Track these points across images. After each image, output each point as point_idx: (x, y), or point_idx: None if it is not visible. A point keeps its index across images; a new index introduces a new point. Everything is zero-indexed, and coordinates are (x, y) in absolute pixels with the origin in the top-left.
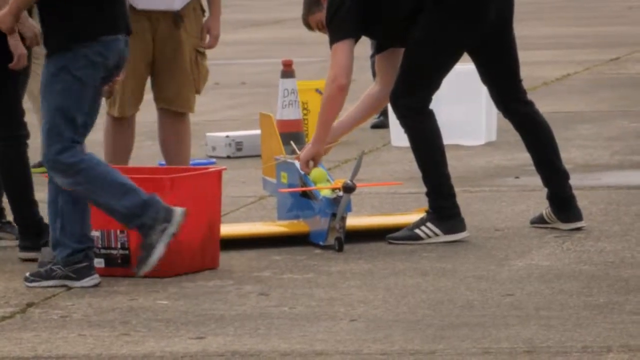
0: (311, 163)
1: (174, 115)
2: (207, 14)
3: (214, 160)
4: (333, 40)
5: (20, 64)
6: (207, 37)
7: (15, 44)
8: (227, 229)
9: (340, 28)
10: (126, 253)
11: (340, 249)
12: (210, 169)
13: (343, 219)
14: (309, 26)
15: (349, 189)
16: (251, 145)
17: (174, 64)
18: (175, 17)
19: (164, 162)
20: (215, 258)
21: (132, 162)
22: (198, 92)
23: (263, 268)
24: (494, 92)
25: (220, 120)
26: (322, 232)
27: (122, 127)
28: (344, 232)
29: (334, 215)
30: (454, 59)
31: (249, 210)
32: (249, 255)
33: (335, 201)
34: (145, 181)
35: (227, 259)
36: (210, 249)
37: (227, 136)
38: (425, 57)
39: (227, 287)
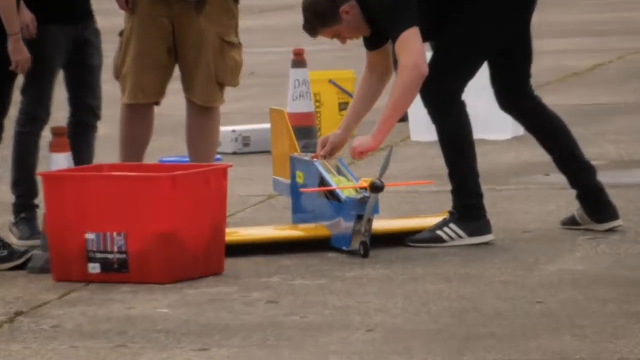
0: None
1: (197, 109)
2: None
3: (219, 156)
4: (401, 29)
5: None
6: None
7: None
8: (238, 235)
9: (407, 15)
10: (124, 257)
11: (365, 255)
12: (215, 166)
13: (370, 221)
14: (315, 34)
15: (377, 188)
16: (259, 140)
17: (196, 54)
18: (197, 3)
19: (166, 159)
20: (220, 263)
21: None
22: (222, 85)
23: (272, 273)
24: (503, 86)
25: (226, 114)
26: (345, 236)
27: (134, 116)
28: (370, 236)
29: (359, 217)
30: (494, 52)
31: (256, 211)
32: (256, 260)
33: (361, 202)
34: (144, 180)
35: (232, 263)
36: (214, 253)
37: (234, 131)
38: (469, 46)
39: (233, 294)
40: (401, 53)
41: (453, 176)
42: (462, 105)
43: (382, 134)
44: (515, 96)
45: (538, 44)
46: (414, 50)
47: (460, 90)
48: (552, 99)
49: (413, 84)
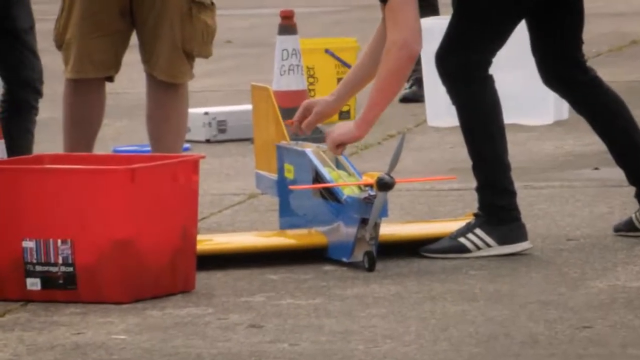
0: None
1: (160, 86)
2: None
3: (188, 145)
4: None
5: None
6: None
7: None
8: (212, 243)
9: None
10: (70, 270)
11: (371, 268)
12: (184, 157)
13: (376, 226)
14: None
15: (385, 185)
16: (238, 125)
17: (157, 17)
18: None
19: (122, 149)
20: (190, 277)
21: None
22: (191, 55)
23: (255, 291)
24: (548, 54)
25: (197, 92)
26: (346, 245)
27: (80, 94)
28: (377, 245)
29: (363, 221)
30: (529, 8)
31: (235, 212)
32: (235, 274)
33: (365, 202)
34: (94, 174)
35: (205, 278)
36: (183, 266)
37: (206, 113)
38: (495, 5)
39: (206, 316)
40: (389, 23)
41: (478, 169)
42: (488, 80)
43: (366, 123)
44: (564, 67)
45: (589, 3)
46: (405, 22)
47: (486, 61)
48: (603, 73)
49: (401, 66)
